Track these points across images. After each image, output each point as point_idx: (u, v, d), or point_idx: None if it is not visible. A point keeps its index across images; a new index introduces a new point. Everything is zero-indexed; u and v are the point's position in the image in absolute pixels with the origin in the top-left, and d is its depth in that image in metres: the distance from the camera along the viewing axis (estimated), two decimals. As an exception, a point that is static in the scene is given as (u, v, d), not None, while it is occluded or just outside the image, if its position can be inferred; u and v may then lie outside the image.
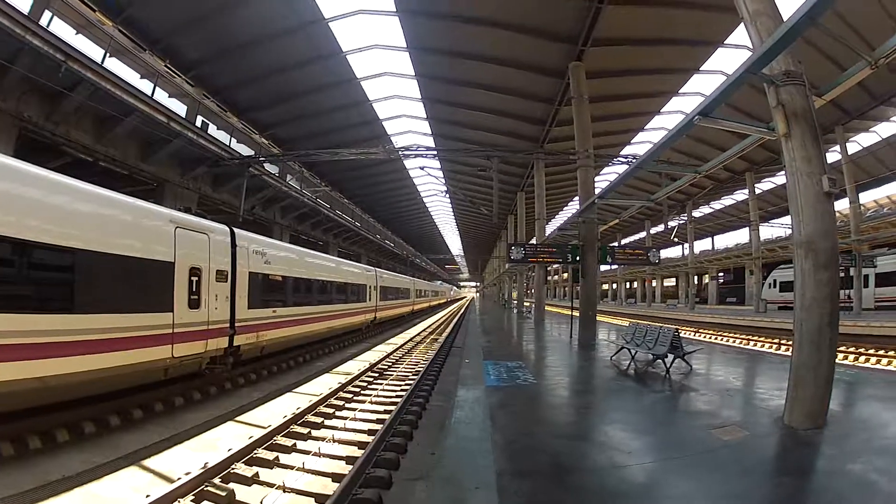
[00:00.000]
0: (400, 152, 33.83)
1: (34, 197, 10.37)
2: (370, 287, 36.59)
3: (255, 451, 9.93)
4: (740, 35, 26.45)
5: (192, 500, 7.84)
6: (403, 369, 20.35)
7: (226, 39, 29.64)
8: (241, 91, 35.48)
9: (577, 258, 25.61)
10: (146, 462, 9.67)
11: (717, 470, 7.75)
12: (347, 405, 14.22)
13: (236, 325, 17.00)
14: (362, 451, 9.69)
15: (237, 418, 13.15)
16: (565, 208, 73.61)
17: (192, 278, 14.70)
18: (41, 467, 9.22)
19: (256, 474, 8.89)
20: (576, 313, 26.93)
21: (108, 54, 22.61)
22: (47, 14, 20.93)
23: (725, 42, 28.42)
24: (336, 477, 8.76)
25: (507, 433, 9.73)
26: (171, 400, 14.14)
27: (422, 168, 42.41)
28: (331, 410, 13.55)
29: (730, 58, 30.12)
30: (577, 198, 34.13)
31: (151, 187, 27.80)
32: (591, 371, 17.90)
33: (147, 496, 7.53)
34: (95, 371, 11.20)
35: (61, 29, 22.16)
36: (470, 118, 40.40)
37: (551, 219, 68.45)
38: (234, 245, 17.25)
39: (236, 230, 17.69)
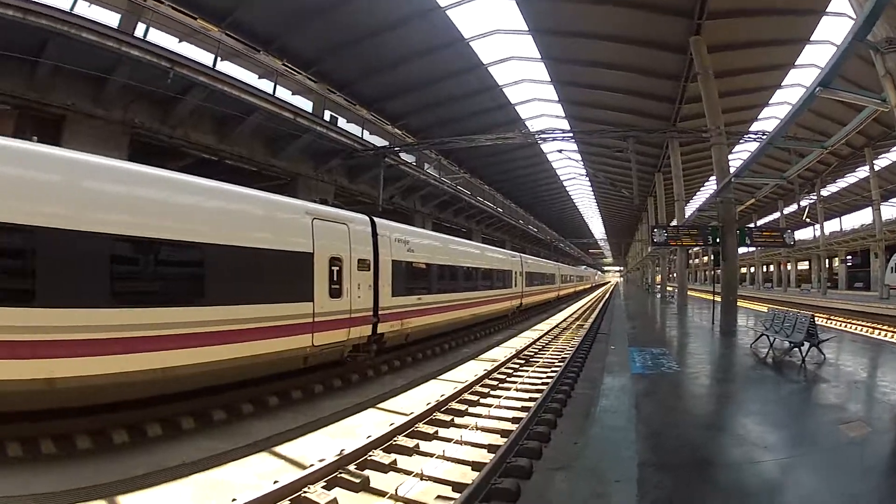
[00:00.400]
0: (536, 136, 33.39)
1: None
2: (515, 273, 36.22)
3: (395, 439, 9.87)
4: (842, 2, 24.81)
5: (323, 487, 7.77)
6: (549, 356, 19.95)
7: (341, 33, 30.17)
8: (365, 83, 36.14)
9: (717, 240, 24.48)
10: (277, 449, 9.84)
11: (842, 469, 7.71)
12: (492, 392, 14.04)
13: (380, 312, 17.19)
14: (505, 440, 9.46)
15: (378, 405, 13.23)
16: (702, 188, 71.19)
17: (333, 268, 14.91)
18: (162, 455, 9.47)
19: (394, 461, 8.82)
20: (717, 298, 25.81)
21: (219, 58, 23.84)
22: (142, 26, 22.30)
23: (827, 10, 27.02)
24: (476, 466, 8.57)
25: (651, 423, 9.58)
26: (311, 388, 14.31)
27: (560, 151, 42.29)
28: (475, 398, 13.40)
29: (838, 27, 28.40)
30: (713, 177, 32.76)
31: (284, 182, 28.84)
32: (731, 359, 17.79)
33: (275, 482, 7.56)
34: (236, 359, 11.69)
35: (162, 38, 23.48)
36: (599, 99, 39.66)
37: (689, 199, 66.30)
38: (375, 234, 17.40)
39: (377, 219, 17.89)
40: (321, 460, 8.40)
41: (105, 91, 20.33)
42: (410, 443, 9.75)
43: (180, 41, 24.89)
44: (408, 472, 8.36)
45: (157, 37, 23.02)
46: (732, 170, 24.59)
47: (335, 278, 14.93)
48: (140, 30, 22.16)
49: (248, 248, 12.29)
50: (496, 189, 62.96)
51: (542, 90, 40.93)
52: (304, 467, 8.43)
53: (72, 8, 19.71)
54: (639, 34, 29.42)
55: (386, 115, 40.26)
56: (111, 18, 22.01)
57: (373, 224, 17.41)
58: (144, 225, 10.43)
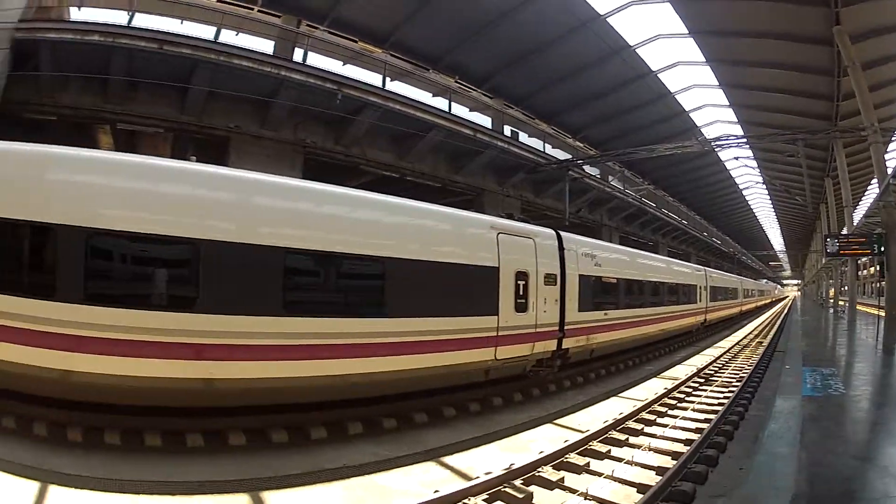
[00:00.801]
0: (712, 143, 32.84)
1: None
2: (700, 288, 35.27)
3: (567, 456, 10.04)
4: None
5: (484, 500, 8.04)
6: (727, 375, 19.64)
7: (508, 48, 30.57)
8: (540, 97, 36.37)
9: (882, 249, 22.53)
10: (446, 459, 10.21)
11: None
12: (669, 412, 14.02)
13: (565, 328, 17.19)
14: (674, 463, 9.53)
15: (556, 421, 13.43)
16: (867, 192, 66.31)
17: (519, 282, 15.10)
18: (324, 457, 9.99)
19: (562, 479, 8.95)
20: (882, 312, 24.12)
21: (388, 78, 25.10)
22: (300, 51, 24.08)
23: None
24: (642, 488, 8.62)
25: (812, 451, 9.20)
26: (490, 401, 14.57)
27: (736, 158, 40.94)
28: (652, 417, 13.44)
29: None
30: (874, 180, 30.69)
31: (469, 197, 29.71)
32: (890, 380, 16.76)
33: (435, 491, 7.87)
34: (417, 370, 12.27)
35: (326, 62, 25.18)
36: (763, 101, 37.51)
37: (857, 204, 62.00)
38: (561, 248, 17.50)
39: (563, 233, 18.06)
40: (487, 473, 8.66)
41: (271, 113, 22.10)
42: (581, 461, 9.89)
43: (345, 64, 26.72)
44: (573, 491, 8.48)
45: (320, 61, 24.73)
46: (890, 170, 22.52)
47: (521, 293, 15.09)
48: (299, 55, 24.09)
49: (429, 262, 12.79)
50: (679, 200, 61.53)
51: (712, 95, 39.51)
52: (469, 479, 8.73)
53: (216, 37, 22.12)
54: (785, 28, 27.77)
55: (565, 128, 40.46)
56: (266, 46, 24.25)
57: (559, 238, 17.54)
58: (322, 239, 11.33)
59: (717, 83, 36.45)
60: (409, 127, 24.02)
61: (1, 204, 9.56)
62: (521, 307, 15.02)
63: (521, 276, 15.17)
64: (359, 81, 22.65)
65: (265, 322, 10.41)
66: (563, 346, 17.22)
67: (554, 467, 9.45)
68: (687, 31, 29.80)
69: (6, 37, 20.50)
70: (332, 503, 8.30)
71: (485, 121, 30.73)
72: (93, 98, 21.65)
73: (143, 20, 22.34)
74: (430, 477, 9.25)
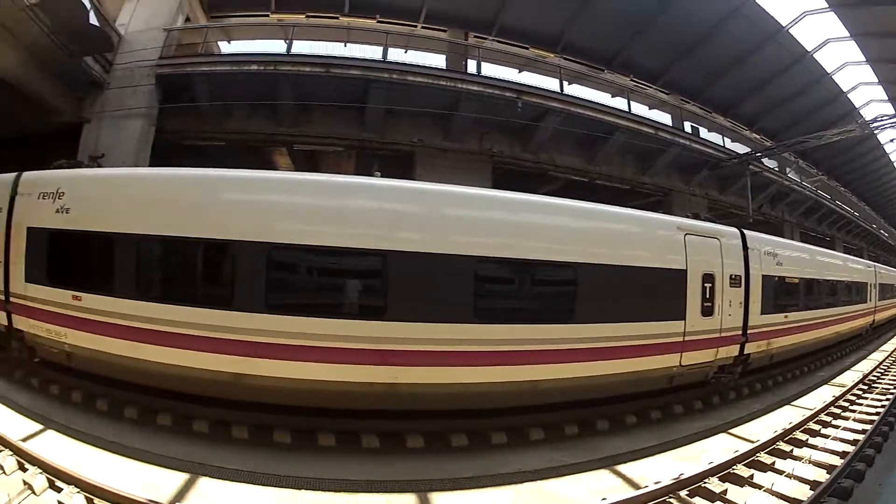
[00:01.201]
0: (870, 126, 31.28)
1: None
2: (870, 285, 33.06)
3: (733, 467, 10.27)
4: None
5: (646, 511, 8.51)
6: (888, 381, 19.14)
7: (675, 40, 30.83)
8: (712, 89, 36.17)
9: None
10: (619, 467, 10.63)
11: None
12: (833, 421, 13.98)
13: (748, 331, 16.88)
14: (827, 476, 9.71)
15: (730, 430, 13.55)
16: None
17: (705, 285, 15.07)
18: (502, 460, 10.74)
19: (725, 491, 9.25)
20: None
21: (565, 82, 25.68)
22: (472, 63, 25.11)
23: None
24: (794, 503, 8.96)
25: None
26: (671, 408, 14.75)
27: (892, 141, 39.11)
28: (818, 427, 13.42)
29: None
30: None
31: (657, 198, 30.24)
32: None
33: (603, 499, 8.37)
34: (603, 376, 12.68)
35: (501, 71, 26.14)
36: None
37: None
38: (745, 247, 17.19)
39: (746, 232, 17.79)
40: (656, 483, 9.10)
41: (455, 125, 23.46)
42: (746, 472, 10.15)
43: (521, 71, 27.70)
44: None
45: (496, 71, 25.74)
46: None
47: (707, 296, 15.05)
48: (472, 67, 25.11)
49: (619, 266, 13.09)
50: (851, 191, 58.18)
51: (864, 73, 37.09)
52: (637, 488, 9.24)
53: (384, 56, 23.70)
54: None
55: (740, 119, 39.69)
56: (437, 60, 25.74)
57: (743, 237, 17.30)
58: (512, 247, 12.07)
59: (865, 59, 34.73)
60: (593, 130, 24.87)
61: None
62: (706, 311, 14.98)
63: (708, 278, 15.15)
64: (537, 88, 23.97)
65: (457, 329, 11.32)
66: (745, 352, 16.96)
67: (720, 479, 9.73)
68: (827, 5, 28.56)
69: (147, 73, 23.52)
70: None
71: (664, 118, 30.94)
72: (263, 122, 24.39)
73: (304, 47, 25.11)
74: (600, 485, 9.73)
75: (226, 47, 29.22)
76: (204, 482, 9.25)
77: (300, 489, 9.12)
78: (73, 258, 13.52)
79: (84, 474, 8.61)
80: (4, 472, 9.04)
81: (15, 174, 15.09)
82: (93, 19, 21.54)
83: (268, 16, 29.66)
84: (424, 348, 11.17)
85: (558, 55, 29.21)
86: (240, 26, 30.23)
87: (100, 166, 17.99)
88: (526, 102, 22.93)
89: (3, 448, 9.68)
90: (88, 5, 21.16)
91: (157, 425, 11.80)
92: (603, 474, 10.30)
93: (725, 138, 34.00)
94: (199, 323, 11.21)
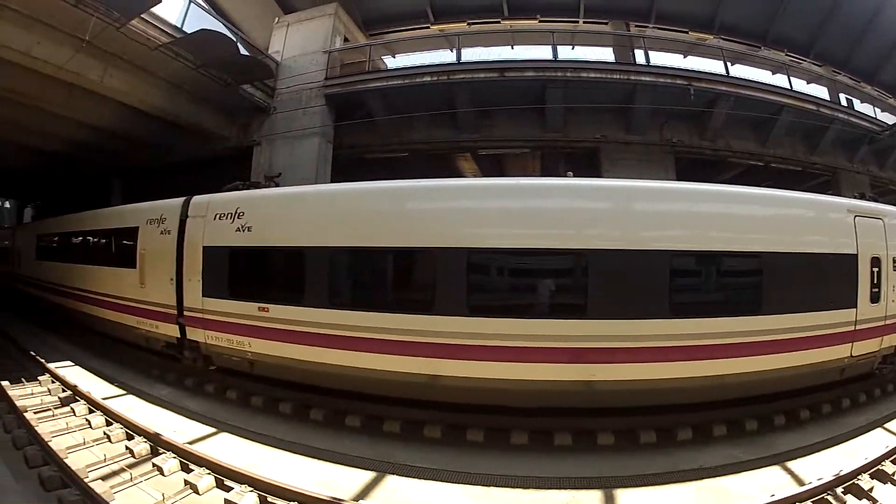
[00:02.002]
0: None
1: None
2: None
3: (881, 464, 10.18)
4: None
5: (807, 507, 8.68)
6: None
7: (813, 6, 29.49)
8: (856, 56, 33.60)
9: None
10: (789, 463, 10.74)
11: None
12: None
13: None
14: None
15: (885, 425, 13.19)
16: None
17: (873, 269, 14.39)
18: (686, 457, 11.07)
19: (871, 489, 9.34)
20: None
21: (728, 63, 25.49)
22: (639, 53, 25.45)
23: None
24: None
25: None
26: (839, 402, 14.33)
27: None
28: None
29: None
30: None
31: (827, 178, 29.33)
32: None
33: (772, 495, 8.71)
34: (778, 370, 12.48)
35: (667, 59, 26.64)
36: None
37: None
38: None
39: None
40: (819, 479, 9.27)
41: (633, 118, 24.40)
42: (891, 469, 10.13)
43: (685, 56, 28.00)
44: (874, 500, 9.08)
45: (662, 58, 26.23)
46: None
47: (875, 281, 14.37)
48: (639, 57, 25.42)
49: (799, 253, 12.83)
50: None
51: None
52: (802, 484, 9.45)
53: (554, 56, 24.29)
54: None
55: (884, 87, 37.06)
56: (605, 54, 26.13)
57: None
58: (704, 238, 12.29)
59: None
60: (762, 111, 24.71)
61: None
62: (874, 297, 14.30)
63: (875, 262, 14.41)
64: (705, 72, 24.09)
65: (652, 325, 11.57)
66: None
67: (871, 475, 9.75)
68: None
69: (315, 95, 25.54)
70: (681, 502, 9.30)
71: (820, 92, 29.71)
72: (446, 131, 25.95)
73: (473, 53, 26.20)
74: (771, 482, 9.92)
75: (391, 62, 30.90)
76: (392, 480, 10.06)
77: (490, 486, 9.75)
78: (257, 272, 15.16)
79: (258, 473, 9.64)
80: (163, 474, 10.18)
81: (183, 199, 16.97)
82: (242, 50, 23.42)
83: (428, 27, 30.80)
84: (622, 345, 11.52)
85: (716, 36, 28.82)
86: (401, 41, 31.75)
87: (277, 185, 19.90)
88: (697, 88, 23.03)
89: (164, 451, 11.00)
90: (233, 37, 23.05)
91: (343, 426, 12.94)
92: (774, 471, 10.51)
93: (875, 108, 31.88)
94: (396, 328, 12.12)
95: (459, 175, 30.39)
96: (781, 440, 12.02)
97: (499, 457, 11.18)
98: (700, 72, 24.01)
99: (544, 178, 15.64)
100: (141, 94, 22.81)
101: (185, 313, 15.92)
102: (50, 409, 13.67)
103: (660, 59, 25.91)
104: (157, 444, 11.36)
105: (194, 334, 15.81)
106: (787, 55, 30.63)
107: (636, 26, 28.48)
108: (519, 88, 23.98)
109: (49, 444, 10.84)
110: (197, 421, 13.32)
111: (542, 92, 23.76)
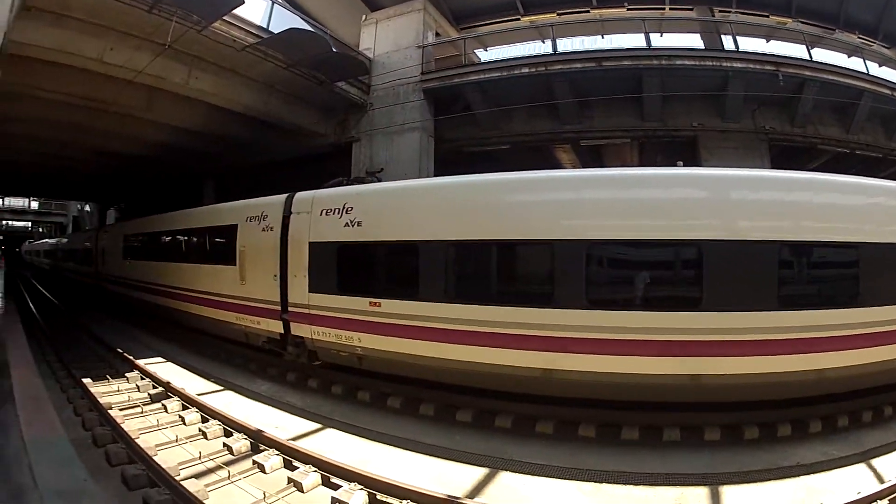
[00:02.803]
0: None
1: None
2: None
3: None
4: None
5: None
6: None
7: None
8: None
9: None
10: (874, 461, 10.70)
11: None
12: None
13: None
14: None
15: None
16: None
17: None
18: (782, 455, 10.98)
19: None
20: None
21: (810, 46, 25.52)
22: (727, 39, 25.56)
23: None
24: None
25: None
26: None
27: None
28: None
29: None
30: None
31: None
32: None
33: (857, 493, 8.88)
34: (882, 363, 12.15)
35: (751, 44, 26.56)
36: None
37: None
38: None
39: None
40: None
41: (727, 106, 24.52)
42: None
43: (768, 41, 27.67)
44: None
45: (748, 44, 26.27)
46: None
47: None
48: (727, 43, 25.57)
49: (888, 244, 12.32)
50: None
51: None
52: (882, 482, 9.58)
53: (648, 44, 24.66)
54: None
55: None
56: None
57: None
58: (810, 229, 12.04)
59: None
60: (843, 96, 24.67)
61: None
62: None
63: None
64: (792, 57, 24.01)
65: (762, 317, 11.37)
66: None
67: None
68: None
69: (413, 90, 26.27)
70: (779, 501, 9.29)
71: (892, 75, 28.96)
72: (547, 122, 26.63)
73: (566, 44, 26.33)
74: (858, 479, 9.92)
75: (483, 55, 31.67)
76: (505, 476, 10.17)
77: (602, 482, 9.86)
78: (368, 267, 15.59)
79: (368, 470, 9.66)
80: (264, 472, 10.37)
81: (286, 195, 17.43)
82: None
83: (518, 19, 31.05)
84: (732, 338, 11.39)
85: (794, 19, 28.51)
86: (493, 34, 32.00)
87: (379, 180, 19.78)
88: (785, 74, 22.95)
89: (266, 447, 11.21)
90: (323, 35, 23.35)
91: (455, 421, 13.17)
92: (861, 468, 10.49)
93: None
94: (513, 321, 12.22)
95: (558, 167, 30.79)
96: (868, 437, 11.94)
97: (609, 452, 11.33)
98: (787, 57, 23.98)
99: (661, 168, 15.18)
100: (230, 95, 23.80)
101: (290, 309, 16.39)
102: (138, 406, 14.21)
103: (745, 44, 25.96)
104: (259, 440, 11.56)
105: (299, 330, 16.25)
106: (858, 37, 30.05)
107: (719, 11, 28.49)
108: (615, 78, 24.24)
109: (136, 441, 11.15)
110: (300, 416, 13.68)
111: (639, 81, 23.99)
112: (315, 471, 9.96)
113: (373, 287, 14.92)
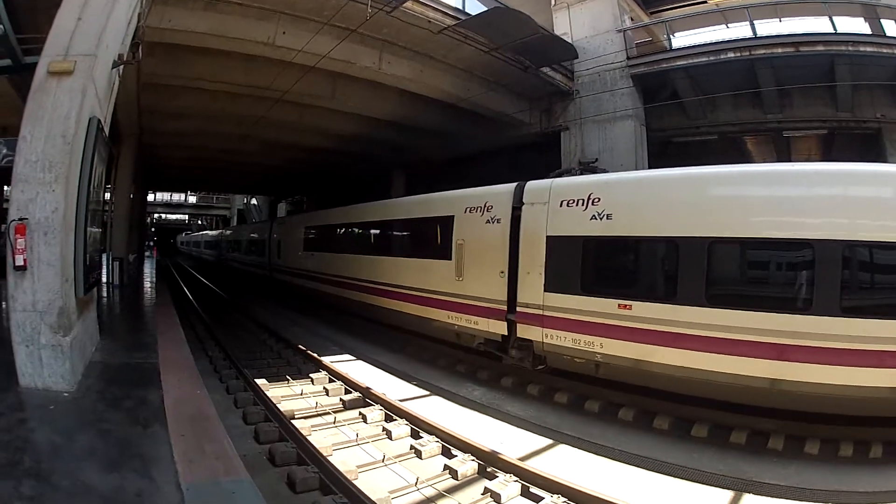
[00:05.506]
0: None
1: None
2: None
3: None
4: None
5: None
6: None
7: None
8: None
9: None
10: None
11: None
12: None
13: None
14: None
15: None
16: None
17: None
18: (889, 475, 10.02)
19: None
20: None
21: None
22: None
23: None
24: None
25: None
26: None
27: None
28: None
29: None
30: None
31: None
32: None
33: None
34: None
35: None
36: None
37: None
38: None
39: None
40: None
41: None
42: None
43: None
44: None
45: None
46: None
47: None
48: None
49: None
50: None
51: None
52: None
53: (834, 29, 23.78)
54: None
55: None
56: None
57: None
58: None
59: None
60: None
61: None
62: None
63: None
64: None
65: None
66: None
67: None
68: None
69: (621, 76, 25.85)
70: None
71: None
72: (750, 111, 26.03)
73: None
74: None
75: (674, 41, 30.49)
76: (749, 499, 9.22)
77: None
78: (619, 266, 14.62)
79: (607, 494, 8.58)
80: (498, 503, 8.94)
81: (514, 185, 16.47)
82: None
83: (706, 2, 30.59)
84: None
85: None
86: (684, 17, 30.48)
87: (594, 171, 17.91)
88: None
89: (500, 471, 9.84)
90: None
91: (688, 436, 12.14)
92: None
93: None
94: (775, 329, 10.97)
95: (750, 159, 29.16)
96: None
97: (832, 469, 10.41)
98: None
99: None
100: (429, 80, 23.60)
101: (519, 309, 15.50)
102: (330, 414, 13.11)
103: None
104: (490, 462, 10.18)
105: (527, 332, 15.25)
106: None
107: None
108: (808, 65, 23.27)
109: (328, 459, 9.79)
110: (523, 428, 12.62)
111: (830, 68, 23.01)
112: (565, 502, 8.73)
113: (624, 288, 13.67)
